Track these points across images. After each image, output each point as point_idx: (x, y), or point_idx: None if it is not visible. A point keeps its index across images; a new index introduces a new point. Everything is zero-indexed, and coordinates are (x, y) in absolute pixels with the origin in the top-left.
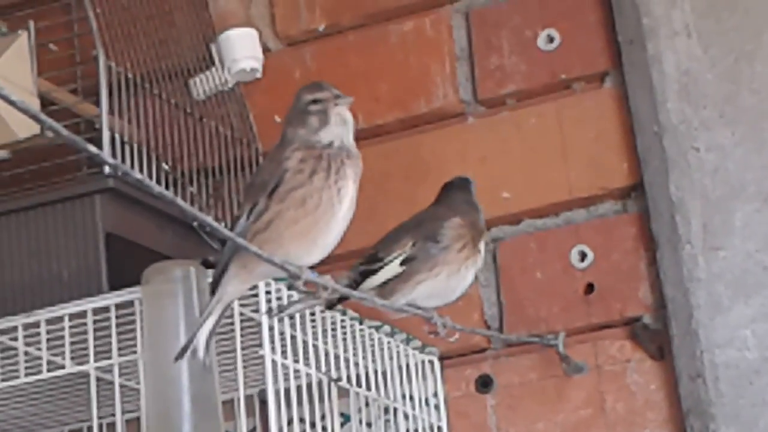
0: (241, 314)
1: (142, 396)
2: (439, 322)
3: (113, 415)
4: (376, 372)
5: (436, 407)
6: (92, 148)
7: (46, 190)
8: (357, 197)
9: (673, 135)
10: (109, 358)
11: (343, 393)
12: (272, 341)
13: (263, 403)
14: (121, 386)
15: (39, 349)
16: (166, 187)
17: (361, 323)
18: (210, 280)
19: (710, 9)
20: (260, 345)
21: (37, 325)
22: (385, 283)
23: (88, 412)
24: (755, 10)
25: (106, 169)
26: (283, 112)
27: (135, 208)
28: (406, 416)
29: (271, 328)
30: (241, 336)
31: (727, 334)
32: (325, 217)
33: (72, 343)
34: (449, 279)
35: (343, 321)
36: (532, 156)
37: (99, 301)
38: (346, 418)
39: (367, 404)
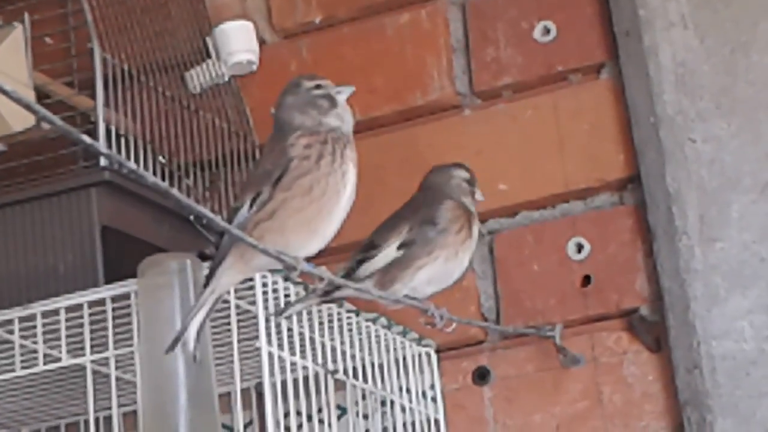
0: (238, 307)
1: (139, 389)
2: (436, 314)
3: (109, 407)
4: (372, 364)
5: (433, 399)
6: (87, 139)
7: (42, 183)
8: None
9: (669, 126)
10: (105, 350)
11: (340, 385)
12: (269, 334)
13: (260, 395)
14: (118, 379)
15: (35, 342)
16: (162, 180)
17: (357, 315)
18: (206, 272)
19: (706, 0)
20: (257, 337)
21: (33, 318)
22: (386, 271)
23: (84, 405)
24: (751, 1)
25: (102, 162)
26: (278, 102)
27: (131, 200)
28: (403, 409)
29: (267, 321)
30: (238, 328)
31: (724, 326)
32: (329, 205)
33: (68, 336)
34: (447, 263)
35: (339, 313)
36: (529, 148)
37: (95, 294)
38: (342, 411)
39: (363, 397)
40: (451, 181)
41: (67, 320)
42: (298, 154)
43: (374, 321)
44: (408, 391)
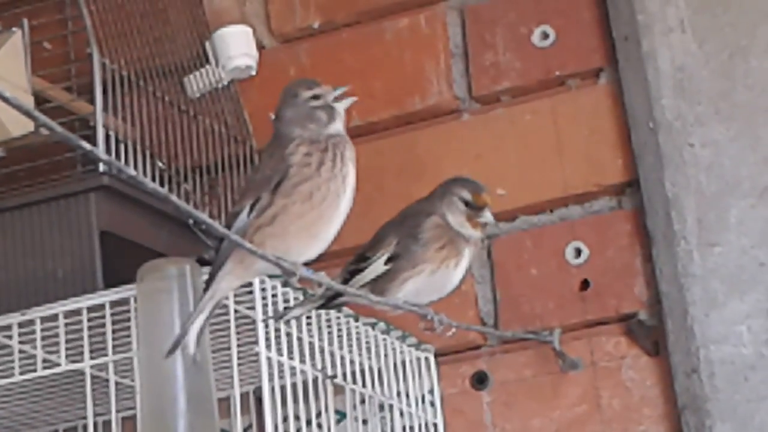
0: (237, 311)
1: (138, 394)
2: (435, 319)
3: (108, 412)
4: (371, 369)
5: (432, 404)
6: (86, 145)
7: (41, 188)
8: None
9: (668, 131)
10: (104, 355)
11: (339, 390)
12: (268, 338)
13: (259, 400)
14: (117, 384)
15: (34, 347)
16: (161, 185)
17: (356, 320)
18: (205, 277)
19: (705, 5)
20: (256, 342)
21: (32, 323)
22: (375, 282)
23: (83, 410)
24: (749, 6)
25: (101, 167)
26: (278, 108)
27: (130, 205)
28: (401, 413)
29: (266, 326)
30: (237, 333)
31: (723, 330)
32: (329, 210)
33: (67, 341)
34: (433, 275)
35: (338, 318)
36: (527, 153)
37: (94, 299)
38: (341, 416)
39: (362, 401)
40: (445, 197)
41: (66, 325)
42: (297, 161)
43: (373, 326)
44: (407, 395)
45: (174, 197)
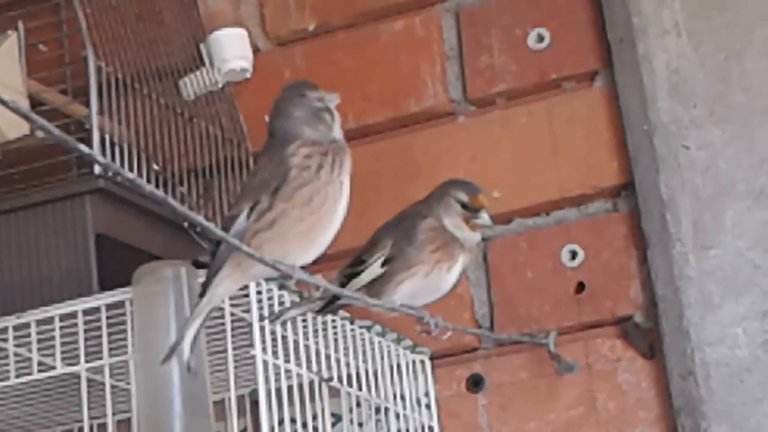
0: (232, 314)
1: (133, 397)
2: (431, 322)
3: (104, 416)
4: (367, 372)
5: (428, 407)
6: (83, 148)
7: (36, 191)
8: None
9: (663, 134)
10: (100, 359)
11: (335, 393)
12: (263, 341)
13: (254, 403)
14: (112, 387)
15: (29, 350)
16: (156, 188)
17: (352, 323)
18: (200, 280)
19: (700, 7)
20: (251, 345)
21: (27, 326)
22: (371, 285)
23: (78, 414)
24: (745, 8)
25: (97, 170)
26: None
27: (125, 208)
28: (397, 416)
29: (262, 329)
30: (232, 336)
31: (718, 333)
32: (328, 215)
33: (62, 344)
34: (426, 277)
35: (334, 321)
36: (523, 155)
37: (89, 302)
38: (337, 418)
39: (358, 404)
40: (442, 199)
41: (61, 328)
42: (297, 163)
43: (369, 329)
44: (402, 398)
45: (172, 200)
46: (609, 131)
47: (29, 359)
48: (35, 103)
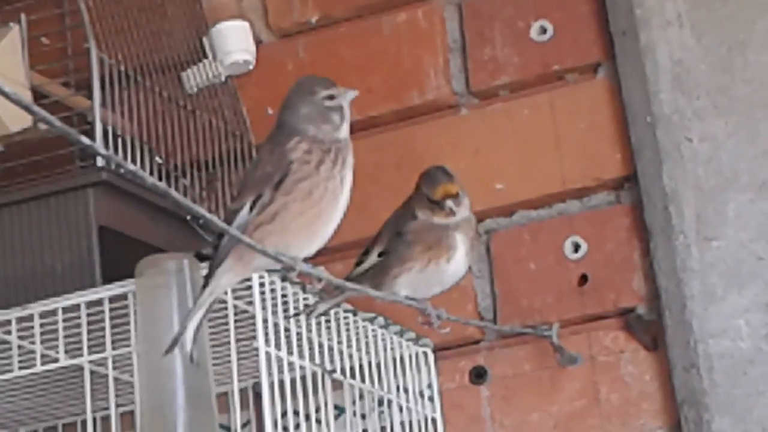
0: (235, 307)
1: (136, 389)
2: (433, 313)
3: (107, 408)
4: (370, 364)
5: (431, 399)
6: (85, 139)
7: (39, 184)
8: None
9: (666, 125)
10: (103, 351)
11: (338, 385)
12: (266, 333)
13: (257, 395)
14: (115, 379)
15: (33, 342)
16: (159, 180)
17: (355, 315)
18: (203, 272)
19: None
20: (254, 337)
21: (30, 318)
22: (372, 277)
23: (82, 406)
24: (747, 0)
25: (99, 162)
26: (276, 105)
27: (128, 201)
28: (400, 408)
29: (265, 321)
30: (236, 328)
31: (721, 324)
32: (329, 208)
33: (65, 337)
34: (423, 272)
35: (337, 313)
36: (526, 147)
37: (92, 295)
38: (340, 410)
39: (361, 396)
40: (416, 193)
41: (64, 320)
42: (298, 157)
43: (372, 321)
44: (405, 390)
45: (174, 192)
46: (612, 123)
47: (33, 351)
48: (38, 95)
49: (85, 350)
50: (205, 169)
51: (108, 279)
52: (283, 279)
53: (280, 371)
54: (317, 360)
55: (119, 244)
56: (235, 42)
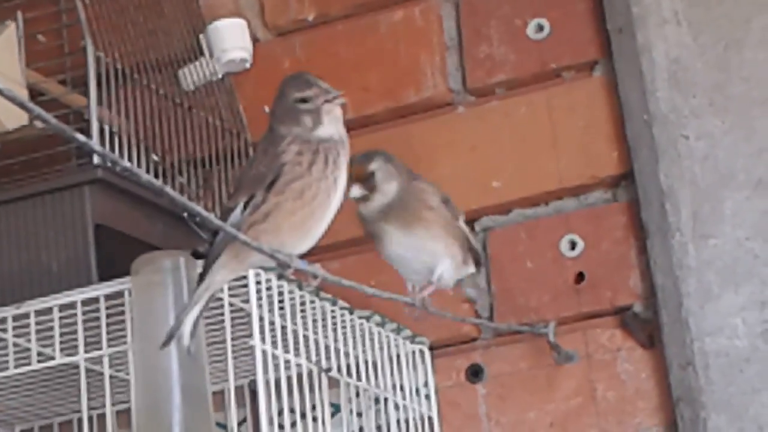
0: (231, 305)
1: (132, 387)
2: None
3: (103, 406)
4: (366, 362)
5: (427, 397)
6: (81, 137)
7: (35, 182)
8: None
9: (662, 123)
10: (99, 349)
11: (334, 383)
12: (262, 331)
13: (253, 393)
14: (111, 377)
15: (28, 340)
16: (156, 178)
17: (351, 313)
18: (199, 270)
19: None
20: (250, 335)
21: (26, 316)
22: None
23: (77, 404)
24: None
25: (96, 160)
26: (273, 102)
27: (124, 198)
28: (396, 406)
29: (261, 319)
30: (231, 326)
31: (717, 322)
32: (321, 208)
33: (61, 335)
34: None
35: (333, 311)
36: (522, 145)
37: (88, 292)
38: (336, 408)
39: (357, 394)
40: None
41: (60, 319)
42: (289, 159)
43: (368, 318)
44: (402, 388)
45: (169, 189)
46: (608, 121)
47: (28, 349)
48: (34, 93)
49: (81, 348)
50: (202, 167)
51: (104, 277)
52: (279, 277)
53: (276, 369)
54: (313, 358)
55: (115, 242)
56: (231, 40)
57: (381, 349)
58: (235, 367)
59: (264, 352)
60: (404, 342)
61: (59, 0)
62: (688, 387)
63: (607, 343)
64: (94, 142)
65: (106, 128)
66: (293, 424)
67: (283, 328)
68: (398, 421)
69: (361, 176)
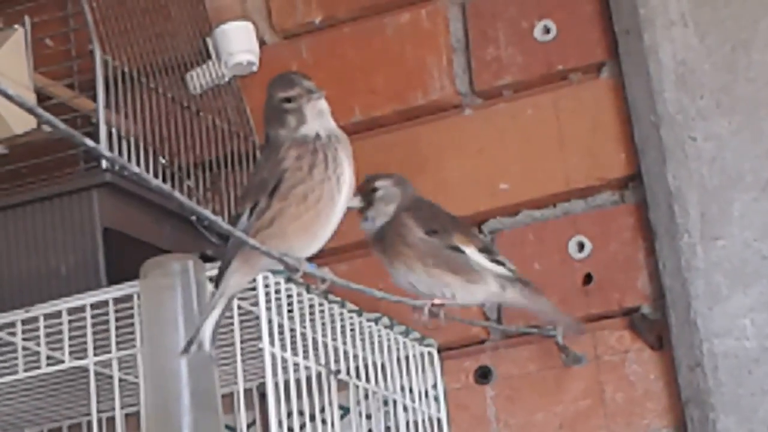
0: (240, 308)
1: (142, 390)
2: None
3: (112, 409)
4: (375, 364)
5: (436, 399)
6: (89, 142)
7: (44, 185)
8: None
9: (670, 125)
10: (108, 352)
11: (343, 386)
12: (271, 334)
13: (262, 396)
14: (121, 380)
15: (38, 344)
16: (164, 181)
17: (360, 316)
18: (208, 273)
19: None
20: (259, 338)
21: (35, 320)
22: None
23: (87, 407)
24: None
25: (104, 164)
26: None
27: (132, 202)
28: (405, 408)
29: (269, 322)
30: (240, 329)
31: (726, 324)
32: (326, 210)
33: (71, 338)
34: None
35: (342, 313)
36: (530, 147)
37: (97, 296)
38: (345, 411)
39: (366, 397)
40: None
41: (69, 322)
42: (290, 165)
43: (376, 321)
44: (410, 390)
45: (179, 194)
46: (616, 123)
47: (38, 353)
48: (42, 97)
49: (90, 352)
50: (210, 170)
51: (113, 280)
52: (288, 280)
53: (285, 372)
54: (322, 360)
55: (124, 246)
56: (238, 43)
57: (390, 351)
58: (244, 370)
59: (273, 355)
60: (413, 344)
61: (66, 4)
62: (696, 388)
63: (615, 345)
64: (103, 147)
65: (114, 132)
66: (302, 427)
67: (292, 331)
68: (407, 423)
69: (363, 188)
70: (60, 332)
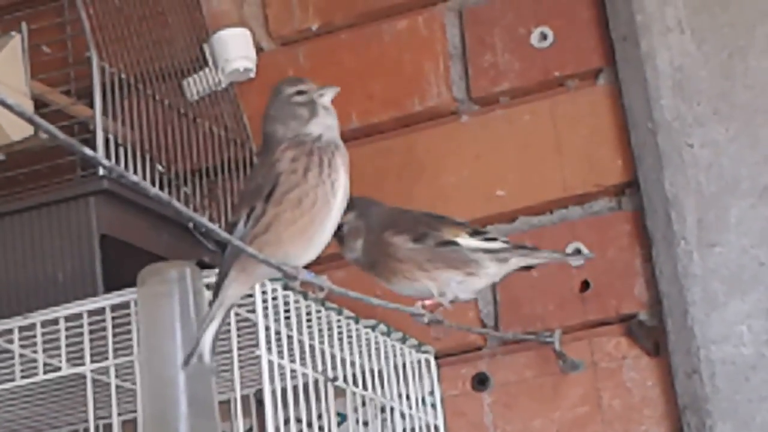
0: (237, 315)
1: (139, 397)
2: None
3: (110, 416)
4: (372, 371)
5: (433, 406)
6: (87, 151)
7: (41, 192)
8: (350, 188)
9: (667, 131)
10: (106, 359)
11: (340, 392)
12: (268, 341)
13: (260, 403)
14: (118, 387)
15: (35, 351)
16: (161, 188)
17: (357, 323)
18: (205, 281)
19: (703, 5)
20: (256, 345)
21: (32, 327)
22: None
23: (84, 414)
24: (748, 5)
25: (101, 171)
26: (266, 107)
27: (130, 209)
28: (402, 415)
29: (267, 329)
30: (238, 336)
31: (723, 330)
32: (321, 215)
33: (68, 345)
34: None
35: (339, 320)
36: (527, 153)
37: (94, 303)
38: (342, 418)
39: (363, 404)
40: None
41: (66, 329)
42: (285, 168)
43: (373, 328)
44: (407, 397)
45: (176, 202)
46: (613, 129)
47: (35, 360)
48: (39, 104)
49: (87, 359)
50: (207, 177)
51: (110, 288)
52: (285, 287)
53: (282, 379)
54: (319, 367)
55: (121, 253)
56: (235, 49)
57: (387, 358)
58: (242, 377)
59: (270, 362)
60: (410, 351)
61: (64, 11)
62: (694, 395)
63: (612, 351)
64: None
65: (111, 139)
66: None
67: (289, 337)
68: (404, 430)
69: None
70: (57, 339)
